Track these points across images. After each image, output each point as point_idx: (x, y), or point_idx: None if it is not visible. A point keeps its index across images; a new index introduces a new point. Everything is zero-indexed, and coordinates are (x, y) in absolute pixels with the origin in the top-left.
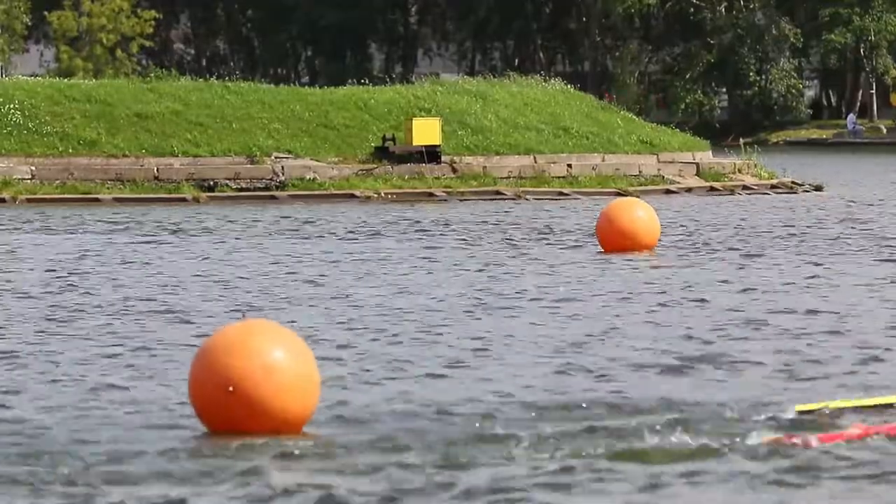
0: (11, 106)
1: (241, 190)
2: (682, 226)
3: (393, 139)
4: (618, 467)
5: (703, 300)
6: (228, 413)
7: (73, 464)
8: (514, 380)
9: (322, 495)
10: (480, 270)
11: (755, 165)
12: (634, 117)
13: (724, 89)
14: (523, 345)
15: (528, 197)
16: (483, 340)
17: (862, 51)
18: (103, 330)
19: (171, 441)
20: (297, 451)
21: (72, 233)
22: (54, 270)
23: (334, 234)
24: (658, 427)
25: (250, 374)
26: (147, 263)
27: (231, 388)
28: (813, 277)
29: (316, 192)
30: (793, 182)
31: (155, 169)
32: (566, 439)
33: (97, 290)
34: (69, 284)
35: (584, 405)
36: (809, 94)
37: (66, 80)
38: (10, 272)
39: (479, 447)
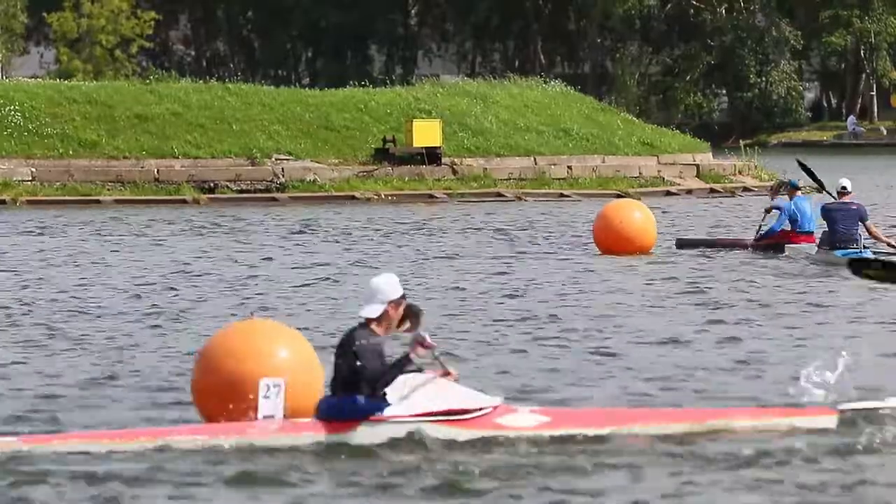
0: (12, 108)
1: (242, 192)
2: (686, 228)
3: (393, 141)
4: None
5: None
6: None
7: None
8: None
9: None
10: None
11: (755, 167)
12: (634, 119)
13: (724, 91)
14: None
15: (528, 198)
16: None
17: (862, 53)
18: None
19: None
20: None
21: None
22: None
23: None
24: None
25: (248, 369)
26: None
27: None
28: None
29: (316, 194)
30: None
31: (155, 171)
32: None
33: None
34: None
35: None
36: (810, 96)
37: (66, 81)
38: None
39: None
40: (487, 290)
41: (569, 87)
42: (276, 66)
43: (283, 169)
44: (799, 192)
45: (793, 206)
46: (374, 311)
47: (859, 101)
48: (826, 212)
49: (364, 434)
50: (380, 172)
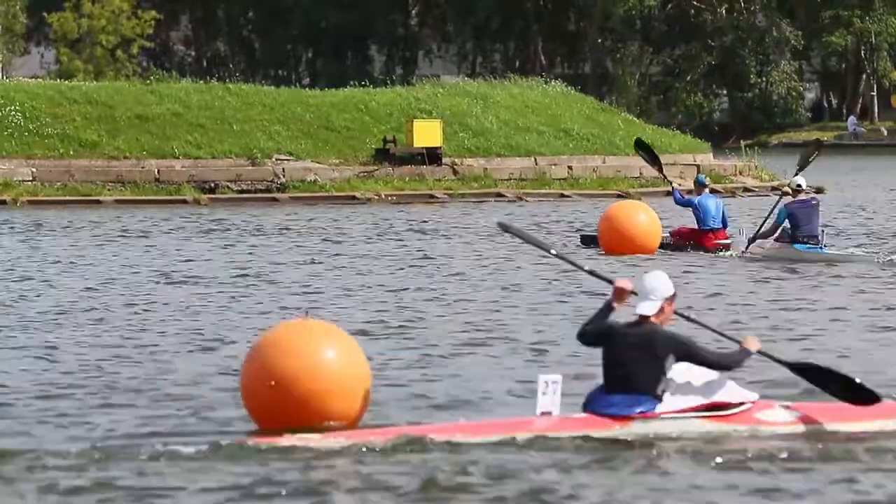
0: (12, 108)
1: (242, 192)
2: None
3: (394, 141)
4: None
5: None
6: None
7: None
8: None
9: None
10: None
11: (756, 167)
12: (635, 119)
13: (725, 91)
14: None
15: (528, 199)
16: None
17: (863, 53)
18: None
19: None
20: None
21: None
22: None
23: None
24: None
25: (298, 371)
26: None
27: (273, 383)
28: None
29: (317, 194)
30: None
31: (156, 171)
32: None
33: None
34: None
35: None
36: (810, 96)
37: (66, 81)
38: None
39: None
40: (491, 288)
41: (569, 88)
42: (277, 66)
43: (283, 169)
44: (706, 190)
45: (696, 203)
46: (652, 308)
47: (860, 101)
48: (788, 212)
49: (636, 429)
50: (380, 173)
